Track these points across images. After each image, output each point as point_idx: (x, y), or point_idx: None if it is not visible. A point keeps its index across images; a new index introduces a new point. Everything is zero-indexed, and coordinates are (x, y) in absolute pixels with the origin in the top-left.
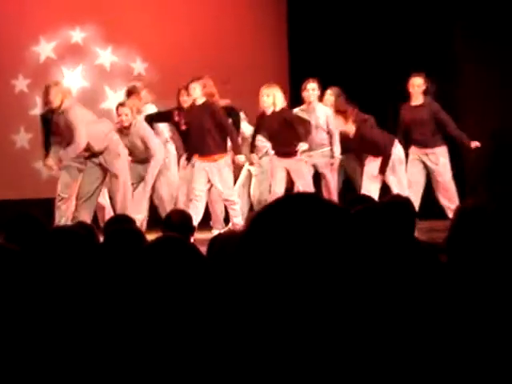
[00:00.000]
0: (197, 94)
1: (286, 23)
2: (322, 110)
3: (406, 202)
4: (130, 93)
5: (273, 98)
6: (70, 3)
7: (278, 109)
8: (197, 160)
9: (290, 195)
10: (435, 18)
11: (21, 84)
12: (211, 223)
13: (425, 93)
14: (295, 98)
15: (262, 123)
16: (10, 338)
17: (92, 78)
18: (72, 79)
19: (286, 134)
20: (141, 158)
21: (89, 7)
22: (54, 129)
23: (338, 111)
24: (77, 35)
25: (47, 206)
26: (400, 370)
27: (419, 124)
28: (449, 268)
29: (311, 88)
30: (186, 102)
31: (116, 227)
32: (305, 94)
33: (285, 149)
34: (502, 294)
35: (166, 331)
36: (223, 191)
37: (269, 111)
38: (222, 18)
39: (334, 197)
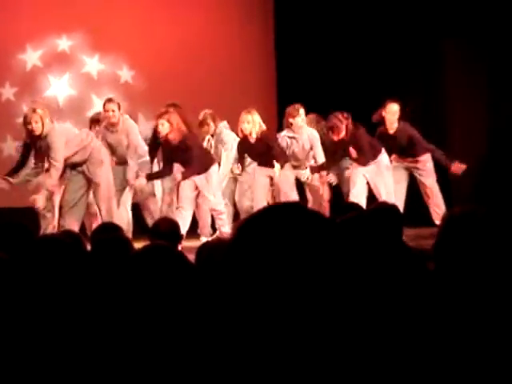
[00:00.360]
0: (165, 131)
1: (273, 31)
2: (306, 131)
3: (392, 208)
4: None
5: (253, 124)
6: (56, 11)
7: (257, 133)
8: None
9: (276, 204)
10: (423, 33)
11: (7, 92)
12: (199, 231)
13: (399, 118)
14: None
15: (245, 148)
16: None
17: (79, 86)
18: (59, 87)
19: (270, 155)
20: (124, 158)
21: (75, 15)
22: (36, 154)
23: (329, 127)
24: (63, 43)
25: (34, 214)
26: (386, 375)
27: (398, 148)
28: (436, 275)
29: (302, 114)
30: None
31: (103, 236)
32: (297, 120)
33: (269, 164)
34: (490, 300)
35: (155, 339)
36: (210, 200)
37: (252, 136)
38: (209, 26)
39: (325, 209)
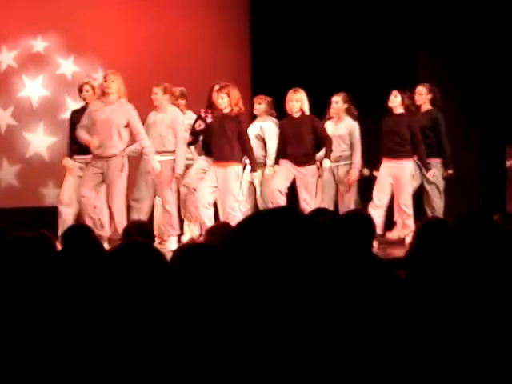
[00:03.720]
0: (224, 104)
1: (248, 28)
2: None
3: (365, 217)
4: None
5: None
6: (32, 12)
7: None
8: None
9: (266, 210)
10: (400, 40)
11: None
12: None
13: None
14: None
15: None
16: None
17: (53, 88)
18: (33, 88)
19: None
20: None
21: (51, 17)
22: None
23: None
24: (38, 44)
25: (5, 215)
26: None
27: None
28: (407, 283)
29: (335, 101)
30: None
31: (75, 236)
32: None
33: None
34: (462, 307)
35: (130, 337)
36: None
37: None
38: (186, 25)
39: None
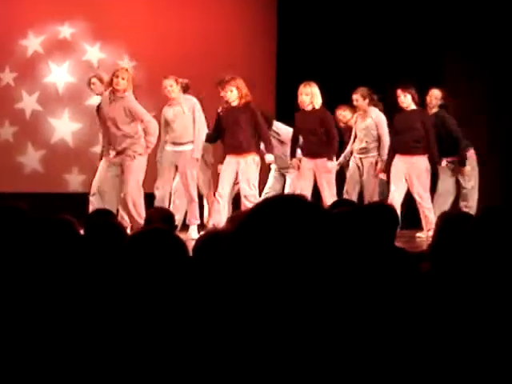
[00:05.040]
0: (234, 97)
1: (275, 19)
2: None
3: (388, 208)
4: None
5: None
6: None
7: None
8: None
9: (276, 197)
10: (426, 42)
11: (7, 77)
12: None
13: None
14: (282, 99)
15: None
16: None
17: (79, 74)
18: (59, 74)
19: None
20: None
21: (78, 3)
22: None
23: None
24: (65, 30)
25: (28, 200)
26: (375, 377)
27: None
28: (432, 276)
29: (355, 99)
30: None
31: (97, 221)
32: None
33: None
34: (487, 300)
35: (150, 325)
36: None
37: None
38: (212, 16)
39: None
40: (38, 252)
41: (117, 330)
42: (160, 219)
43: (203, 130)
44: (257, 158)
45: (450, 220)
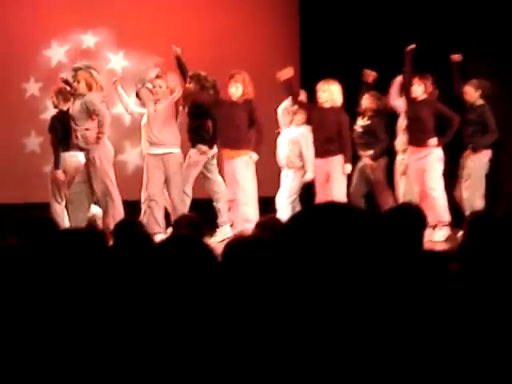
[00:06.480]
0: (238, 94)
1: (298, 17)
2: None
3: (415, 208)
4: None
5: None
6: (82, 7)
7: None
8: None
9: (316, 205)
10: (451, 39)
11: (32, 87)
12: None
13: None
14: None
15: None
16: (19, 337)
17: (103, 83)
18: None
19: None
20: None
21: (101, 12)
22: None
23: None
24: (89, 39)
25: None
26: (407, 377)
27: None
28: (462, 276)
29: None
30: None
31: (125, 230)
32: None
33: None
34: None
35: (178, 331)
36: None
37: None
38: (234, 19)
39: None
40: (67, 264)
41: (149, 339)
42: (187, 226)
43: None
44: (254, 156)
45: (480, 219)
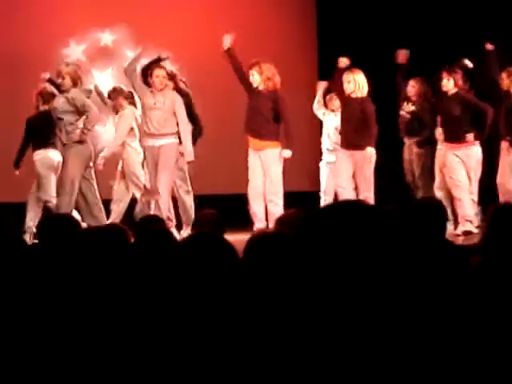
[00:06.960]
0: (256, 82)
1: (315, 12)
2: None
3: (437, 203)
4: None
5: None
6: (99, 6)
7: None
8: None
9: (336, 203)
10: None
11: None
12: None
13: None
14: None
15: None
16: (40, 336)
17: (121, 81)
18: (102, 81)
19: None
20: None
21: (118, 10)
22: None
23: None
24: (106, 37)
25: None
26: (432, 370)
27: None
28: (484, 269)
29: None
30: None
31: (146, 228)
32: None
33: None
34: None
35: (200, 328)
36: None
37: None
38: (248, 16)
39: None
40: (90, 262)
41: (172, 336)
42: (208, 223)
43: None
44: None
45: (503, 212)
